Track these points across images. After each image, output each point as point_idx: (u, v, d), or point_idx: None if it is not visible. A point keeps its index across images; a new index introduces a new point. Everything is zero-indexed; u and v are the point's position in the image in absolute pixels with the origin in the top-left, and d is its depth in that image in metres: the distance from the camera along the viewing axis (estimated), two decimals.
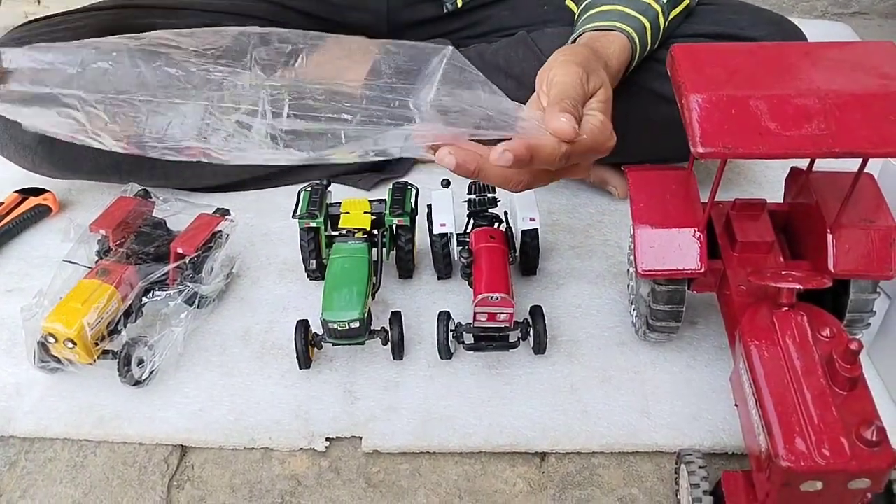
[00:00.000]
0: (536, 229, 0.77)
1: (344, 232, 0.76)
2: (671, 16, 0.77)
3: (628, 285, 0.76)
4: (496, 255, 0.72)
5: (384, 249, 0.78)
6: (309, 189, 0.80)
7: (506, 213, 0.81)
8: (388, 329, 0.71)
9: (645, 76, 0.81)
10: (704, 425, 0.67)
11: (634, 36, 0.71)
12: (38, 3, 1.50)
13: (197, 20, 0.91)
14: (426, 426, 0.67)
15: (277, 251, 0.86)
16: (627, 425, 0.67)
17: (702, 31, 0.81)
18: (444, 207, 0.78)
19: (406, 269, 0.81)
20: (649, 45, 0.75)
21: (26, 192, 0.92)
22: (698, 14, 0.83)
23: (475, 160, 0.51)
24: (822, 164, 0.65)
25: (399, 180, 0.82)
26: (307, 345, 0.71)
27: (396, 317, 0.72)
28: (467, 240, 0.77)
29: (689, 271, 0.64)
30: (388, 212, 0.78)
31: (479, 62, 0.85)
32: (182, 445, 0.68)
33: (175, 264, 0.74)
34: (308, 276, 0.81)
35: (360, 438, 0.67)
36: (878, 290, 0.65)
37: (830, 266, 0.61)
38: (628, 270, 0.76)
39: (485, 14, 0.96)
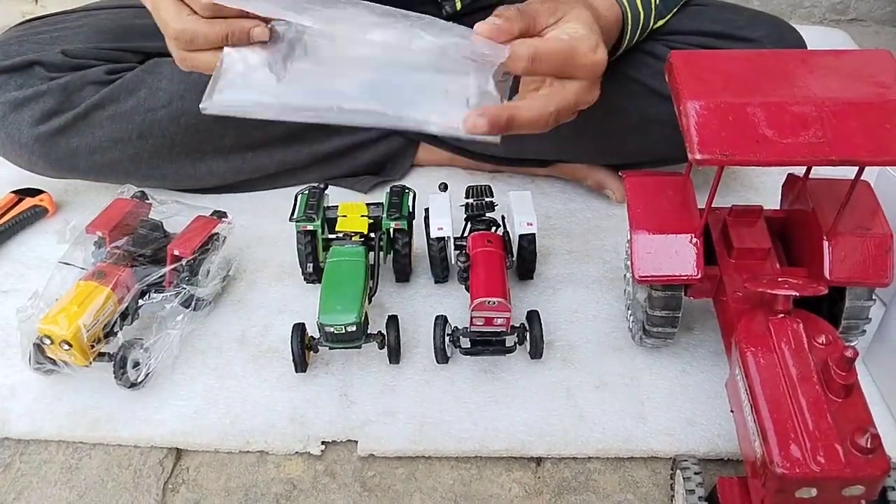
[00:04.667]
0: (533, 234, 0.77)
1: (341, 235, 0.76)
2: None
3: (625, 290, 0.76)
4: (493, 260, 0.72)
5: (381, 253, 0.78)
6: (306, 192, 0.80)
7: (503, 218, 0.81)
8: (385, 333, 0.71)
9: (644, 73, 0.81)
10: (700, 431, 0.67)
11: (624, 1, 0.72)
12: (36, 2, 1.50)
13: None
14: (422, 430, 0.67)
15: (274, 254, 0.86)
16: (623, 431, 0.67)
17: (701, 28, 0.82)
18: (441, 211, 0.78)
19: (403, 273, 0.81)
20: (641, 13, 0.74)
21: (22, 193, 0.91)
22: (696, 13, 0.84)
23: (505, 114, 0.56)
24: (818, 171, 0.65)
25: (396, 184, 0.82)
26: (303, 348, 0.70)
27: (393, 320, 0.72)
28: (464, 244, 0.77)
29: (685, 277, 0.64)
30: (385, 215, 0.78)
31: None
32: (177, 448, 0.68)
33: (172, 266, 0.74)
34: (305, 279, 0.81)
35: (356, 442, 0.67)
36: (874, 297, 0.65)
37: (826, 273, 0.62)
38: (625, 276, 0.76)
39: (483, 17, 0.97)
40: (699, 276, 0.63)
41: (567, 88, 0.60)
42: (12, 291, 0.82)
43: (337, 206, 0.80)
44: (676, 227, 0.64)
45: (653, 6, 0.76)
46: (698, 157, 0.54)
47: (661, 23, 0.80)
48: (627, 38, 0.74)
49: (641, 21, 0.75)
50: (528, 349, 0.72)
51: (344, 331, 0.67)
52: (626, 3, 0.72)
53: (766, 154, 0.54)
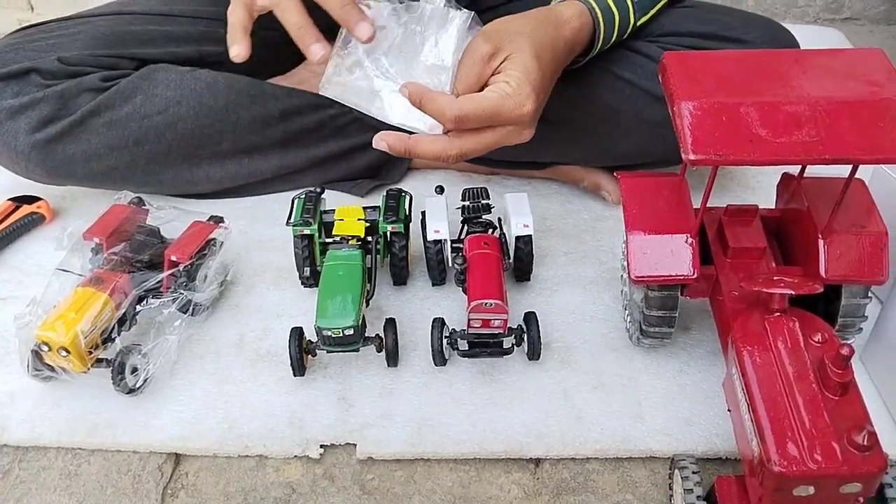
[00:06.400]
0: (530, 235, 0.77)
1: (338, 239, 0.76)
2: None
3: (622, 291, 0.77)
4: (490, 262, 0.72)
5: (378, 256, 0.78)
6: (303, 196, 0.80)
7: (499, 220, 0.81)
8: (383, 336, 0.72)
9: (638, 75, 0.81)
10: (698, 430, 0.67)
11: (592, 3, 0.73)
12: (32, 9, 1.50)
13: (190, 27, 0.91)
14: (421, 433, 0.67)
15: (271, 258, 0.86)
16: (621, 431, 0.67)
17: (694, 29, 0.82)
18: (437, 214, 0.78)
19: (400, 276, 0.81)
20: (616, 14, 0.75)
21: (20, 200, 0.91)
22: (689, 14, 0.84)
23: (403, 142, 0.64)
24: (813, 170, 0.65)
25: (393, 187, 0.82)
26: (301, 352, 0.71)
27: (391, 323, 0.72)
28: (461, 246, 0.77)
29: (681, 277, 0.64)
30: (382, 219, 0.78)
31: None
32: (176, 453, 0.68)
33: (169, 272, 0.74)
34: (302, 283, 0.81)
35: (355, 445, 0.67)
36: (870, 294, 0.65)
37: (822, 272, 0.62)
38: (622, 276, 0.76)
39: (488, 18, 0.97)
40: (695, 275, 0.64)
41: (485, 135, 0.64)
42: (10, 298, 0.82)
43: (334, 210, 0.80)
44: (672, 228, 0.64)
45: (629, 4, 0.76)
46: (692, 157, 0.54)
47: (644, 19, 0.80)
48: (601, 41, 0.75)
49: (618, 21, 0.75)
50: (526, 351, 0.72)
51: (342, 334, 0.68)
52: (596, 9, 0.73)
53: (761, 154, 0.54)
